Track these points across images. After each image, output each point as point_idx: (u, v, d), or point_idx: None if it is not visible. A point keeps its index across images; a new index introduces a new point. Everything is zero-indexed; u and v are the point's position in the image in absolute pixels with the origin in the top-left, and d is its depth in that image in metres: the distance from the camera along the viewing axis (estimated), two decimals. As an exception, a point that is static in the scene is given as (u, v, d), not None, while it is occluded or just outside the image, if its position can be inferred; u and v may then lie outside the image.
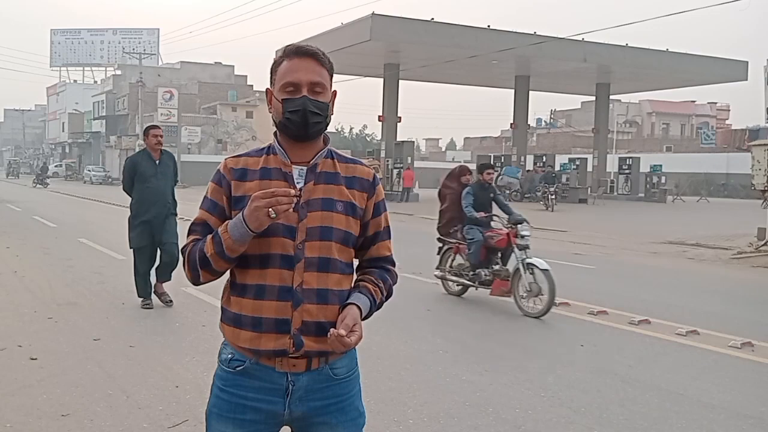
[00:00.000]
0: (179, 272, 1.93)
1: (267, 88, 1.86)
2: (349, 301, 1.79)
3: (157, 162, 6.85)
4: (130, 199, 7.00)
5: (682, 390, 4.68)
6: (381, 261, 1.92)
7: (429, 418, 4.05)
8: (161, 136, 6.90)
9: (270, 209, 1.63)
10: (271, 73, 1.83)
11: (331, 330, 1.68)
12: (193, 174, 43.85)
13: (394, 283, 1.93)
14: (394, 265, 1.96)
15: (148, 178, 6.78)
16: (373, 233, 1.89)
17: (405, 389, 4.54)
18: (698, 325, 6.47)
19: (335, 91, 1.85)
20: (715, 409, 4.32)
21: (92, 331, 5.91)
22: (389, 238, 1.94)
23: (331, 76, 1.83)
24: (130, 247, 6.99)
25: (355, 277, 1.90)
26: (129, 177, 6.91)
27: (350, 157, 1.92)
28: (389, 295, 1.92)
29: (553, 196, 25.08)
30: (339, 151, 1.90)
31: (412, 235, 14.56)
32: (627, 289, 9.04)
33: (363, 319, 1.81)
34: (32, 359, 5.04)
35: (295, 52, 1.79)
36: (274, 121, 1.83)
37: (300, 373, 1.77)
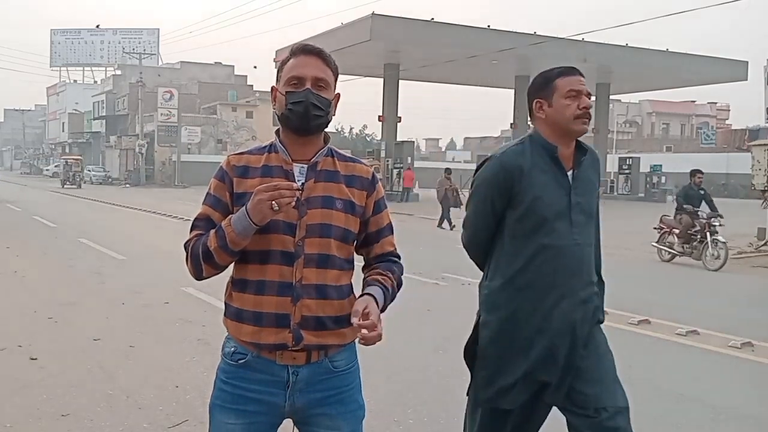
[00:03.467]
0: (181, 270, 1.95)
1: (272, 86, 1.90)
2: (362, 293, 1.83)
3: (572, 174, 2.40)
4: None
5: (682, 390, 4.68)
6: (386, 256, 1.96)
7: (429, 418, 4.05)
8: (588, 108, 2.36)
9: (273, 202, 1.67)
10: (278, 71, 1.87)
11: (353, 321, 1.70)
12: (193, 174, 43.95)
13: (401, 273, 1.96)
14: (399, 258, 1.99)
15: (551, 218, 2.36)
16: (375, 230, 1.93)
17: (405, 389, 4.54)
18: (698, 325, 6.47)
19: (338, 94, 1.89)
20: (715, 409, 4.32)
21: (92, 331, 5.91)
22: (392, 233, 1.99)
23: (336, 78, 1.88)
24: (477, 402, 2.54)
25: (356, 273, 1.92)
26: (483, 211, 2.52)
27: (350, 155, 1.96)
28: (399, 284, 1.94)
29: (718, 241, 11.04)
30: (339, 150, 1.93)
31: (413, 235, 14.56)
32: (627, 289, 9.03)
33: (383, 309, 1.84)
34: (32, 359, 5.04)
35: (301, 50, 1.84)
36: (276, 115, 1.87)
37: (300, 366, 1.81)
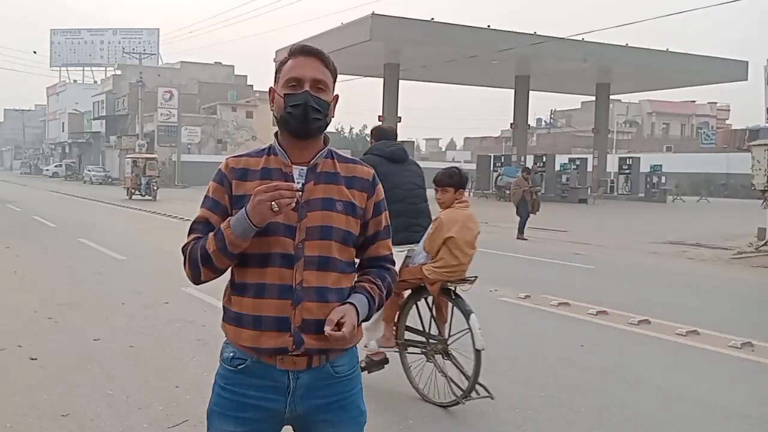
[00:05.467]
0: (181, 270, 1.94)
1: (270, 87, 1.88)
2: (344, 301, 1.81)
3: None
4: None
5: (682, 390, 4.68)
6: (380, 260, 1.94)
7: (429, 418, 4.05)
8: None
9: (273, 203, 1.65)
10: (276, 72, 1.85)
11: (325, 330, 1.71)
12: (193, 174, 43.94)
13: (394, 281, 1.95)
14: (393, 264, 1.97)
15: None
16: (373, 233, 1.91)
17: (405, 389, 4.53)
18: (698, 325, 6.47)
19: (337, 95, 1.87)
20: (715, 409, 4.32)
21: (92, 331, 5.91)
22: (389, 237, 1.96)
23: (335, 79, 1.86)
24: None
25: (355, 276, 1.91)
26: None
27: (350, 157, 1.94)
28: (389, 293, 1.93)
29: None
30: (339, 151, 1.91)
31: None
32: (627, 289, 9.04)
33: (366, 319, 1.84)
34: (32, 359, 5.04)
35: (300, 51, 1.82)
36: (275, 117, 1.84)
37: (301, 371, 1.79)
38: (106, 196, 30.75)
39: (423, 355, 4.40)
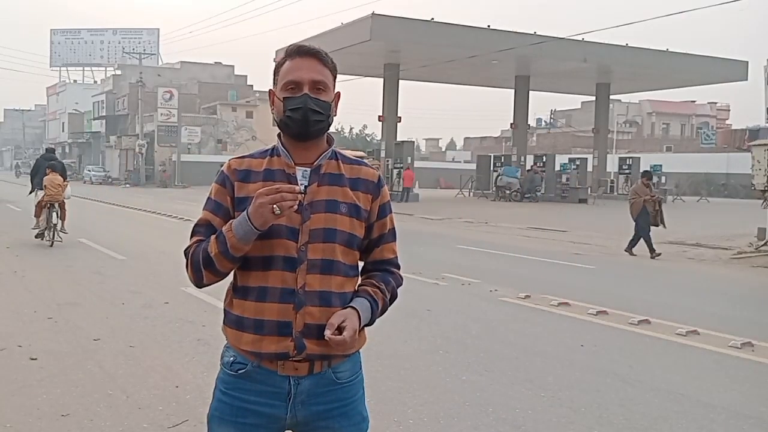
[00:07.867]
0: (181, 270, 1.92)
1: (269, 89, 1.85)
2: (346, 305, 1.78)
3: None
4: None
5: (682, 390, 4.68)
6: (385, 264, 1.91)
7: (429, 418, 4.05)
8: None
9: (274, 206, 1.62)
10: (274, 74, 1.82)
11: (325, 334, 1.69)
12: (193, 174, 43.97)
13: (399, 285, 1.91)
14: (398, 267, 1.93)
15: None
16: (377, 235, 1.88)
17: (405, 389, 4.54)
18: (698, 325, 6.47)
19: (339, 92, 1.84)
20: (715, 409, 4.32)
21: (92, 331, 5.91)
22: (394, 240, 1.93)
23: (335, 77, 1.82)
24: None
25: (359, 280, 1.88)
26: None
27: (355, 158, 1.90)
28: (394, 297, 1.90)
29: None
30: (343, 152, 1.89)
31: (413, 235, 14.55)
32: (627, 289, 9.04)
33: (369, 323, 1.81)
34: (32, 359, 5.04)
35: (297, 52, 1.78)
36: (275, 121, 1.82)
37: (302, 377, 1.76)
38: (106, 195, 30.75)
39: (47, 229, 11.82)
